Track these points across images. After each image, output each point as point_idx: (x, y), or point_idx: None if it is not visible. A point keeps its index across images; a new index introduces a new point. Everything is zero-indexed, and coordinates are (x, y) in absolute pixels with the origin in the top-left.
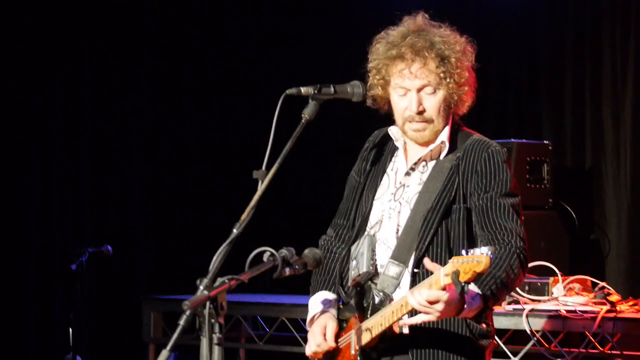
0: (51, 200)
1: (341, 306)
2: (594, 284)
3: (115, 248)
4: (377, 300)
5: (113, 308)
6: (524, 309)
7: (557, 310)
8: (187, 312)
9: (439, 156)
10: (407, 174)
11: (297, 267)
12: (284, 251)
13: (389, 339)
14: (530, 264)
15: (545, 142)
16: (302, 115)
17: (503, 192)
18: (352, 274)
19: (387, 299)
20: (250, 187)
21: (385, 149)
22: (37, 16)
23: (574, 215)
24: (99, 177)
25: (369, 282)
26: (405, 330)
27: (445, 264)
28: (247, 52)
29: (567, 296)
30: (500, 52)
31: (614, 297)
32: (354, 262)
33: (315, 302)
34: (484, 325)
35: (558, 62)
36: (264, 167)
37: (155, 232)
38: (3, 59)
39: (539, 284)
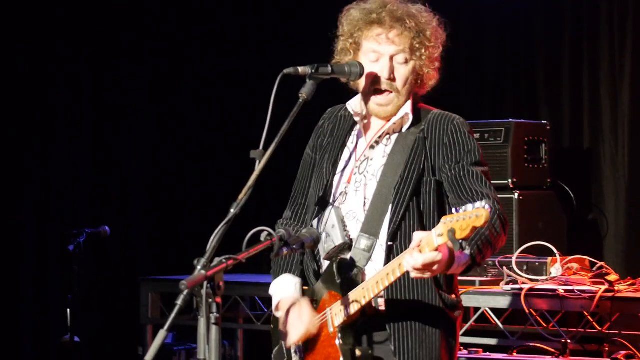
0: (49, 180)
1: (306, 287)
2: (592, 264)
3: (112, 229)
4: (351, 274)
5: (111, 289)
6: (522, 289)
7: (555, 290)
8: (185, 292)
9: (402, 129)
10: (372, 147)
11: (294, 246)
12: (281, 230)
13: (368, 313)
14: (528, 244)
15: (543, 122)
16: (300, 95)
17: (473, 161)
18: (326, 247)
19: (359, 272)
20: (248, 167)
21: (342, 124)
22: (37, 14)
23: (572, 196)
24: (96, 157)
25: (339, 255)
26: (382, 307)
27: None
28: (246, 49)
29: (565, 276)
30: (497, 32)
31: (612, 277)
32: (323, 235)
33: (279, 286)
34: (453, 296)
35: (556, 41)
36: (261, 147)
37: (153, 212)
38: (4, 56)
39: (537, 263)
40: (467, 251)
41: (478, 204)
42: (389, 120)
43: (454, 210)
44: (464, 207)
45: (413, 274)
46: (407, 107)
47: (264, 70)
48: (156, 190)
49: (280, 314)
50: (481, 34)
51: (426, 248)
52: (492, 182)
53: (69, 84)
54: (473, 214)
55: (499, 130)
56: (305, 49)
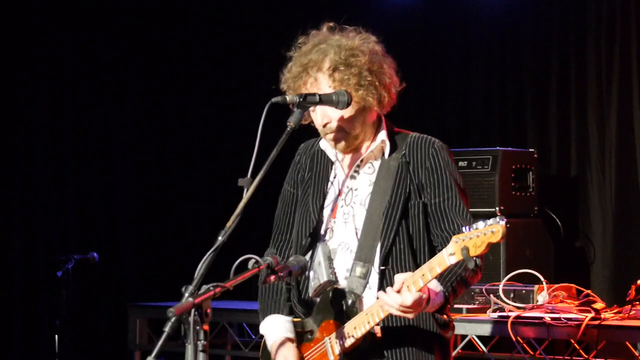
0: (37, 207)
1: (296, 319)
2: (579, 292)
3: (101, 255)
4: (349, 302)
5: (99, 315)
6: (508, 317)
7: (541, 318)
8: (172, 319)
9: (384, 155)
10: (352, 177)
11: (281, 274)
12: (268, 258)
13: (369, 340)
14: (515, 272)
15: (530, 150)
16: (287, 123)
17: (455, 188)
18: (312, 284)
19: (357, 299)
20: (236, 195)
21: (321, 159)
22: (26, 22)
23: (559, 223)
24: (84, 184)
25: (331, 287)
26: (378, 333)
27: (409, 259)
28: (235, 59)
29: (551, 303)
30: (485, 60)
31: (599, 305)
32: (311, 273)
33: (268, 328)
34: (445, 317)
35: (543, 70)
36: (249, 175)
37: (141, 238)
38: None
39: (523, 291)
40: (441, 291)
41: (491, 220)
42: (367, 146)
43: (434, 237)
44: (475, 225)
45: (397, 313)
46: (383, 134)
47: (252, 79)
48: (144, 217)
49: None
50: (468, 62)
51: (436, 267)
52: (480, 209)
53: (54, 90)
54: (488, 230)
55: (486, 158)
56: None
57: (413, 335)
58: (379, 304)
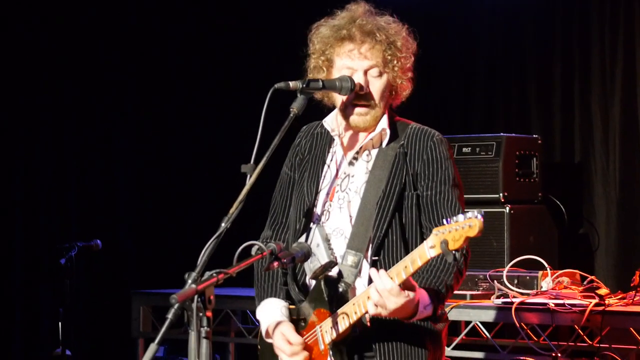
0: (39, 194)
1: (292, 306)
2: (583, 278)
3: (104, 242)
4: (340, 290)
5: (102, 302)
6: (512, 303)
7: (545, 304)
8: (175, 306)
9: (381, 144)
10: (351, 163)
11: (285, 260)
12: (272, 245)
13: (357, 329)
14: (519, 258)
15: (534, 136)
16: (290, 109)
17: (450, 183)
18: (311, 266)
19: (348, 288)
20: (238, 181)
21: (319, 142)
22: (27, 21)
23: (563, 210)
24: (86, 171)
25: (325, 274)
26: (368, 323)
27: (401, 250)
28: (235, 59)
29: (555, 290)
30: (489, 46)
31: (603, 291)
32: None
33: (264, 312)
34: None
35: (547, 56)
36: (252, 161)
37: (144, 225)
38: None
39: (527, 277)
40: (431, 304)
41: (470, 213)
42: (367, 133)
43: (424, 229)
44: (455, 218)
45: (372, 308)
46: (384, 122)
47: (254, 85)
48: (147, 203)
49: (270, 341)
50: (473, 48)
51: (417, 261)
52: (484, 196)
53: (56, 77)
54: (466, 224)
55: (490, 144)
56: (294, 48)
57: (403, 327)
58: (366, 294)
